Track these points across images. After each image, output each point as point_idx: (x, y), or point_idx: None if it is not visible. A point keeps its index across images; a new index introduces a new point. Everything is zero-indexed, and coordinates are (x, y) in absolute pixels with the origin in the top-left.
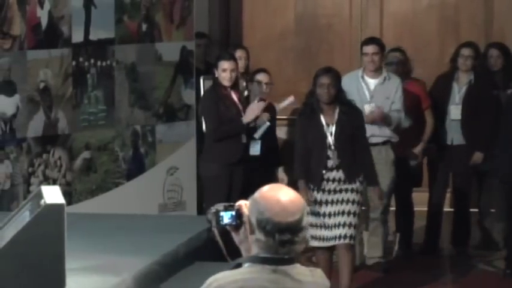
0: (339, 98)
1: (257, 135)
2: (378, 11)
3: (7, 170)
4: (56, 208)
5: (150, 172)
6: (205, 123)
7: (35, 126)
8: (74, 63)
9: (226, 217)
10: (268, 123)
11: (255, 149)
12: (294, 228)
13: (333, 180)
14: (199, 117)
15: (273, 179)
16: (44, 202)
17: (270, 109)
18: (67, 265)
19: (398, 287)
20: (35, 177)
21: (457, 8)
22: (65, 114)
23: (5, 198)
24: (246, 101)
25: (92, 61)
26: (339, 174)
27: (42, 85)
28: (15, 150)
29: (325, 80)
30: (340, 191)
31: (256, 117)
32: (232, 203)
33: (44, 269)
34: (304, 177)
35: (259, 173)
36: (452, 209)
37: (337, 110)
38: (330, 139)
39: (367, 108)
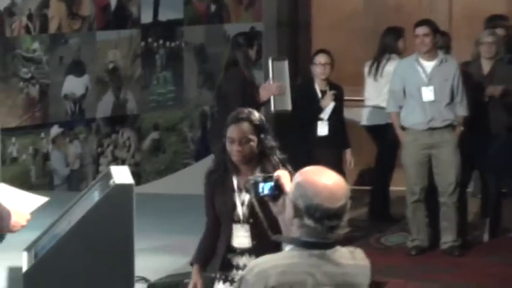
0: (264, 152)
1: (324, 115)
2: None
3: (76, 150)
4: (124, 188)
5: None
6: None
7: (104, 106)
8: (142, 44)
9: (266, 188)
10: (333, 103)
11: (323, 130)
12: (341, 213)
13: (243, 268)
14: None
15: (340, 160)
16: (113, 182)
17: (337, 90)
18: (135, 245)
19: (472, 271)
20: (104, 158)
21: None
22: (133, 94)
23: (74, 178)
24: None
25: (161, 42)
26: (251, 260)
27: (111, 66)
28: (84, 130)
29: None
30: None
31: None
32: (271, 174)
33: (113, 249)
34: (199, 261)
35: (326, 154)
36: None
37: (256, 171)
38: (240, 210)
39: (424, 92)
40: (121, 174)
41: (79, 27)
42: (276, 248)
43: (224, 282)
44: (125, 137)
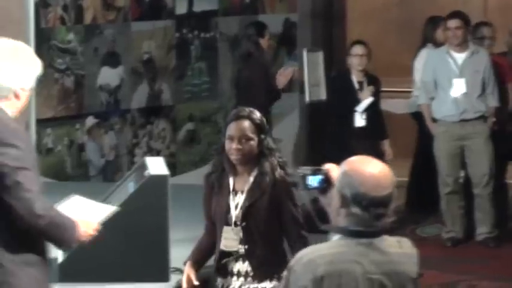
0: (263, 153)
1: (360, 108)
2: None
3: (111, 141)
4: (160, 179)
5: None
6: None
7: (139, 97)
8: (177, 34)
9: (314, 181)
10: (371, 98)
11: (360, 121)
12: (387, 202)
13: (238, 275)
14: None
15: (377, 151)
16: (148, 173)
17: (374, 82)
18: (170, 236)
19: (508, 263)
20: (139, 149)
21: None
22: (168, 85)
23: (109, 169)
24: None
25: (196, 33)
26: (245, 266)
27: (146, 56)
28: (119, 121)
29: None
30: None
31: (289, 82)
32: (319, 167)
33: (148, 240)
34: (192, 258)
35: (363, 146)
36: None
37: (254, 173)
38: (233, 213)
39: (456, 84)
40: (156, 165)
41: (114, 18)
42: (269, 253)
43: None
44: (159, 128)
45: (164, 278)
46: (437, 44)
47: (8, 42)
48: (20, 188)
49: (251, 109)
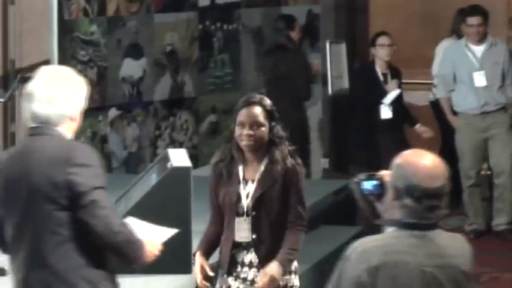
0: (274, 141)
1: (387, 100)
2: None
3: (134, 133)
4: (182, 171)
5: None
6: None
7: (162, 89)
8: (200, 26)
9: (369, 185)
10: (398, 90)
11: (387, 113)
12: (440, 194)
13: (250, 265)
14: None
15: (404, 143)
16: (171, 165)
17: (397, 74)
18: (193, 228)
19: None
20: (161, 140)
21: None
22: (191, 77)
23: (132, 161)
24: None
25: (218, 25)
26: (251, 256)
27: (168, 48)
28: (142, 113)
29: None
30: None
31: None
32: (374, 172)
33: None
34: (201, 249)
35: (390, 138)
36: None
37: (264, 161)
38: (245, 203)
39: (476, 77)
40: (178, 157)
41: (137, 10)
42: (276, 243)
43: (235, 279)
44: (182, 119)
45: (187, 270)
46: (461, 36)
47: (55, 70)
48: (97, 205)
49: (261, 96)
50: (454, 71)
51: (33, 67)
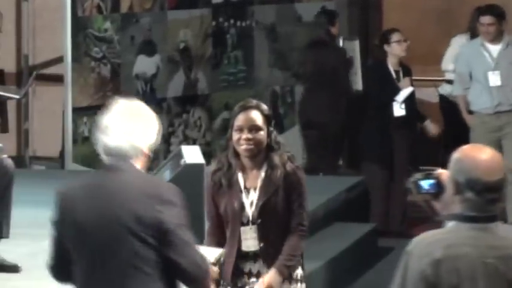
0: (271, 147)
1: (400, 98)
2: None
3: None
4: (195, 168)
5: (290, 132)
6: None
7: (175, 86)
8: (213, 23)
9: (426, 184)
10: (412, 88)
11: (400, 111)
12: (500, 187)
13: (257, 275)
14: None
15: (415, 139)
16: (184, 162)
17: (408, 71)
18: (206, 225)
19: None
20: (175, 137)
21: None
22: (204, 74)
23: None
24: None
25: (232, 21)
26: (259, 266)
27: (182, 45)
28: (155, 110)
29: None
30: None
31: None
32: (431, 172)
33: None
34: None
35: (402, 135)
36: None
37: (264, 167)
38: (249, 211)
39: (491, 77)
40: (192, 154)
41: (150, 7)
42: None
43: None
44: (195, 116)
45: None
46: (476, 35)
47: (130, 104)
48: (185, 244)
49: (257, 101)
50: (469, 69)
51: (47, 64)
